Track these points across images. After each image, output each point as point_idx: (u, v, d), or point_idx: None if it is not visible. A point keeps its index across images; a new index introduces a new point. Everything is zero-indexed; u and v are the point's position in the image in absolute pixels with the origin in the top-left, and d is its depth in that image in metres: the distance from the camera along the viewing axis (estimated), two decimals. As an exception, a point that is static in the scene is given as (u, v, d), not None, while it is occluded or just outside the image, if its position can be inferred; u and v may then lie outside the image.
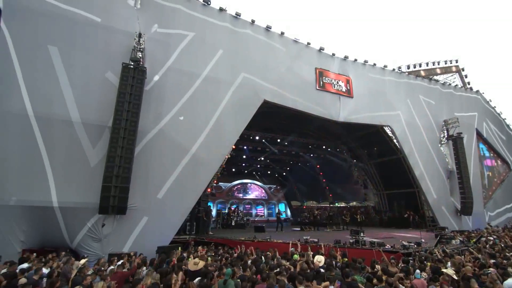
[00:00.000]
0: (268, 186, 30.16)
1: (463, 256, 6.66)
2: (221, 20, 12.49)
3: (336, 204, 26.80)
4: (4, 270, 5.04)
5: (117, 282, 4.32)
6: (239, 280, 4.63)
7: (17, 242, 7.78)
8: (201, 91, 11.21)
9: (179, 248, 8.45)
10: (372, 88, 16.61)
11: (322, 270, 5.35)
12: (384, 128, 17.89)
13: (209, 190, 16.15)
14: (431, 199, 16.58)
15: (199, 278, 4.67)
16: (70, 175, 8.56)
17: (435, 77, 22.88)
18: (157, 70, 10.59)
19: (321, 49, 15.11)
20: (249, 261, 6.11)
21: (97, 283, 4.16)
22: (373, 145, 20.00)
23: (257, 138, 19.14)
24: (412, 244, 8.47)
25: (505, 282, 4.24)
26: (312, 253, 6.61)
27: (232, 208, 21.20)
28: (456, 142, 17.56)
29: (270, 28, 13.64)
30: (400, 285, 4.02)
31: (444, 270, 4.55)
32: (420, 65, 21.14)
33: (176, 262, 5.86)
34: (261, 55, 13.23)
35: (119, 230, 8.88)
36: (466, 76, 23.70)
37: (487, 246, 8.15)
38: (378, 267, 5.20)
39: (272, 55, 13.57)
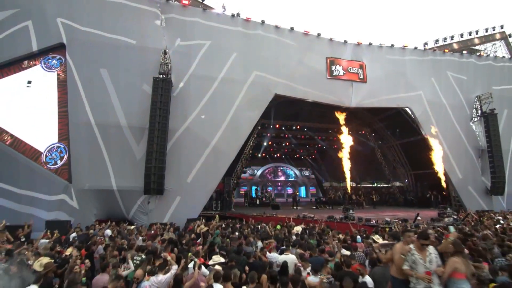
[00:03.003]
0: (299, 168, 31.66)
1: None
2: (234, 25, 14.07)
3: (376, 184, 27.17)
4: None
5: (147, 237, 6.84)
6: (228, 239, 6.71)
7: (92, 215, 11.06)
8: (219, 92, 13.20)
9: (201, 219, 10.89)
10: (389, 70, 16.62)
11: (294, 237, 7.16)
12: (406, 109, 17.80)
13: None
14: (456, 179, 16.45)
15: (201, 238, 6.90)
16: (123, 166, 11.53)
17: (475, 48, 21.26)
18: (181, 78, 12.85)
19: (331, 38, 15.66)
20: (246, 229, 8.17)
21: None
22: (397, 126, 19.96)
23: (280, 125, 20.66)
24: (396, 220, 9.55)
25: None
26: (293, 224, 8.42)
27: (259, 190, 23.49)
28: (488, 119, 16.75)
29: (280, 26, 14.73)
30: (330, 243, 5.61)
31: (373, 237, 5.90)
32: (452, 38, 19.75)
33: (191, 228, 8.25)
34: (272, 52, 14.53)
35: (160, 206, 11.71)
36: (514, 43, 21.41)
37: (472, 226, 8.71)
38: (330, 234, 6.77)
39: (283, 51, 14.75)
